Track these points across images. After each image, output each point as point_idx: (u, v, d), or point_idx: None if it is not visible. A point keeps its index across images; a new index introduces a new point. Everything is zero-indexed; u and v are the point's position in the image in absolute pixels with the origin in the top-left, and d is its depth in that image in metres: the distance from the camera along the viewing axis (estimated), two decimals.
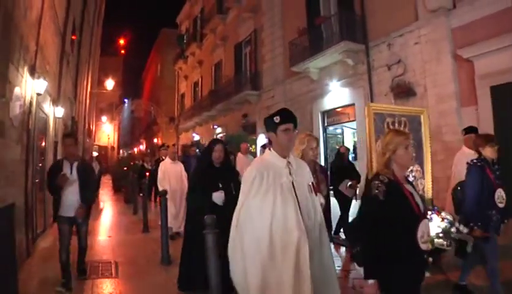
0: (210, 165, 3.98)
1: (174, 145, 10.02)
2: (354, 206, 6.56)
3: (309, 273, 2.28)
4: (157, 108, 32.02)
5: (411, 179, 4.14)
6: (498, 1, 7.30)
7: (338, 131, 14.76)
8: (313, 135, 4.15)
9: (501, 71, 7.20)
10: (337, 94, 12.11)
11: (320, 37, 12.02)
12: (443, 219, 3.77)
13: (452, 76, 8.26)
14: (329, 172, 6.77)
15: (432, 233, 3.37)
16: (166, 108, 32.56)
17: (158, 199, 11.24)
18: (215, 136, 21.32)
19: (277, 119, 2.45)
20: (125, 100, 36.29)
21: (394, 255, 2.15)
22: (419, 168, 4.50)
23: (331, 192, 5.91)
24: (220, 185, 3.83)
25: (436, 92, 8.57)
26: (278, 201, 2.33)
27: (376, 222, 2.19)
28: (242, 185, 2.51)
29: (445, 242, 3.66)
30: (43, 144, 7.50)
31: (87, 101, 17.62)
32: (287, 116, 2.49)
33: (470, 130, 5.10)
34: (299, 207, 2.40)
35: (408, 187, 2.38)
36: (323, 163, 12.03)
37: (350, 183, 6.26)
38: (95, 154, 21.99)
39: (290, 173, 2.46)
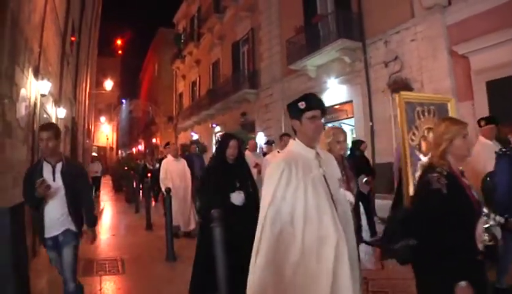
0: (224, 162, 3.69)
1: (173, 143, 9.84)
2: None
3: (350, 285, 1.96)
4: (155, 108, 32.09)
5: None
6: None
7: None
8: (339, 128, 3.99)
9: (496, 67, 7.34)
10: (334, 91, 12.23)
11: (317, 35, 12.14)
12: None
13: (448, 72, 8.40)
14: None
15: None
16: (164, 107, 32.64)
17: (160, 198, 11.40)
18: (213, 136, 21.47)
19: (302, 104, 2.14)
20: (123, 101, 36.30)
21: (450, 253, 1.99)
22: None
23: None
24: (238, 185, 3.57)
25: (433, 88, 8.70)
26: (310, 198, 2.00)
27: (435, 218, 2.03)
28: (267, 182, 2.13)
29: (487, 237, 3.44)
30: None
31: (87, 102, 17.70)
32: (314, 101, 2.18)
33: (490, 120, 4.89)
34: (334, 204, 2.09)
35: (465, 180, 2.20)
36: None
37: (365, 179, 5.96)
38: (94, 154, 22.06)
39: (320, 165, 2.15)
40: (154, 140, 35.62)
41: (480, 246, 2.05)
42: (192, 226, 7.12)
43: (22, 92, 4.99)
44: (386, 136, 9.95)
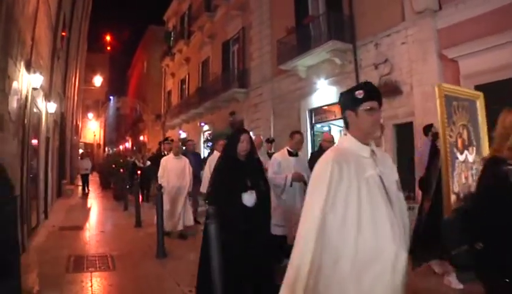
0: (234, 159, 3.40)
1: (172, 140, 9.40)
2: None
3: None
4: (143, 106, 31.82)
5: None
6: (481, 4, 7.59)
7: (326, 129, 14.97)
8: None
9: (485, 71, 7.49)
10: (324, 92, 12.31)
11: (308, 36, 12.20)
12: None
13: (437, 76, 8.53)
14: None
15: None
16: (152, 105, 32.38)
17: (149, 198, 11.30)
18: (202, 134, 21.37)
19: (359, 94, 1.86)
20: (111, 97, 35.91)
21: None
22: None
23: None
24: (249, 184, 3.28)
25: (422, 91, 8.83)
26: (365, 203, 1.72)
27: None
28: (314, 185, 1.84)
29: None
30: (36, 139, 7.48)
31: (75, 97, 17.47)
32: (373, 90, 1.91)
33: None
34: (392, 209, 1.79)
35: None
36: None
37: None
38: (80, 151, 21.79)
39: (376, 164, 1.86)
40: (141, 138, 35.32)
41: None
42: (180, 226, 6.89)
43: (14, 85, 4.93)
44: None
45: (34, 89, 5.94)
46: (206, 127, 21.08)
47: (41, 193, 7.81)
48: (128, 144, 41.60)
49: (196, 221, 7.66)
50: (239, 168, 3.35)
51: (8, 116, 4.73)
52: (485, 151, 4.04)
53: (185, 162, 7.18)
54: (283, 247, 4.60)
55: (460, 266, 2.16)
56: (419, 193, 6.17)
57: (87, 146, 32.21)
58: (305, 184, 4.74)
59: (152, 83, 34.29)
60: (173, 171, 6.91)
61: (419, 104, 8.88)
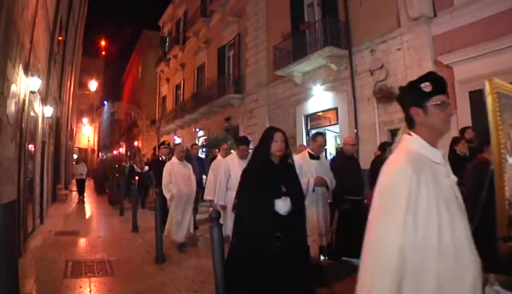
0: (267, 161, 3.01)
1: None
2: None
3: None
4: (138, 111, 31.71)
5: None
6: (475, 12, 7.73)
7: None
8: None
9: (479, 77, 7.57)
10: (320, 98, 12.39)
11: (304, 42, 12.28)
12: None
13: None
14: None
15: None
16: (147, 110, 32.30)
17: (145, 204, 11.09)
18: (196, 140, 21.33)
19: (426, 86, 1.58)
20: (105, 102, 35.75)
21: None
22: None
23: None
24: (284, 189, 2.89)
25: None
26: (445, 221, 1.40)
27: None
28: (387, 198, 1.45)
29: None
30: (33, 143, 7.43)
31: (70, 102, 17.38)
32: (440, 82, 1.62)
33: None
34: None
35: None
36: None
37: None
38: (75, 156, 21.62)
39: (449, 172, 1.57)
40: (135, 143, 35.16)
41: None
42: (188, 236, 6.55)
43: (13, 88, 4.90)
44: (370, 143, 10.12)
45: (32, 92, 5.91)
46: (200, 133, 21.06)
47: (37, 197, 7.74)
48: (122, 150, 41.38)
49: (195, 227, 7.51)
50: (271, 172, 2.97)
51: (6, 119, 4.69)
52: None
53: (190, 168, 6.76)
54: None
55: None
56: None
57: (81, 151, 31.93)
58: (328, 188, 4.62)
59: (146, 88, 34.23)
60: (179, 176, 6.45)
61: None
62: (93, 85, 22.20)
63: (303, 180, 4.28)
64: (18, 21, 4.85)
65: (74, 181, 16.06)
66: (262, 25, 15.55)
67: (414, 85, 1.64)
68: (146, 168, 11.56)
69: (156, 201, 5.95)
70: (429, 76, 1.63)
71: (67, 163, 17.21)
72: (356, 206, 4.99)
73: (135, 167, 11.47)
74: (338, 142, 11.86)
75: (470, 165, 4.05)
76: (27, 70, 5.63)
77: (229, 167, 5.63)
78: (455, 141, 5.60)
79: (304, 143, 12.89)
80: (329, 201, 4.83)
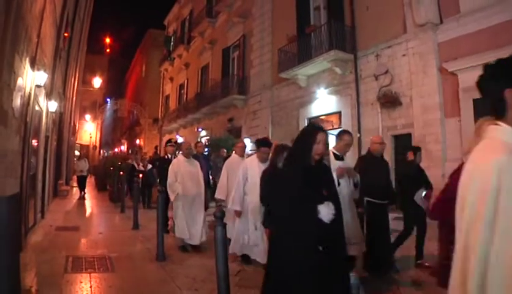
0: (307, 163, 2.70)
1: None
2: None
3: None
4: (141, 109, 31.76)
5: None
6: (482, 20, 7.74)
7: None
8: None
9: None
10: (324, 102, 12.40)
11: (309, 45, 12.31)
12: None
13: (437, 88, 8.65)
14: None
15: None
16: (149, 109, 32.34)
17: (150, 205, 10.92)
18: (199, 139, 21.35)
19: None
20: (108, 100, 35.81)
21: None
22: None
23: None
24: (325, 194, 2.61)
25: (422, 103, 8.93)
26: None
27: None
28: (479, 195, 1.18)
29: None
30: (36, 137, 7.44)
31: (74, 98, 17.42)
32: None
33: None
34: None
35: None
36: None
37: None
38: (77, 153, 21.64)
39: None
40: (137, 141, 35.19)
41: None
42: (203, 238, 6.01)
43: (19, 81, 4.91)
44: None
45: (38, 86, 5.92)
46: (203, 133, 21.08)
47: (38, 192, 7.75)
48: (123, 147, 41.41)
49: None
50: (313, 174, 2.66)
51: (12, 112, 4.70)
52: None
53: (197, 166, 6.36)
54: None
55: None
56: None
57: (82, 147, 32.03)
58: (356, 186, 4.27)
59: (150, 87, 34.28)
60: (187, 175, 6.06)
61: (419, 116, 8.98)
62: (97, 82, 22.25)
63: None
64: (26, 15, 4.87)
65: (75, 177, 16.04)
66: (267, 27, 15.58)
67: (507, 63, 1.32)
68: (149, 166, 11.51)
69: (158, 198, 5.94)
70: None
71: (68, 159, 17.24)
72: (382, 210, 4.63)
73: (136, 165, 11.39)
74: None
75: None
76: (33, 64, 5.65)
77: (248, 170, 5.22)
78: None
79: None
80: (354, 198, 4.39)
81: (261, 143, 5.31)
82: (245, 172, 5.23)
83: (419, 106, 9.02)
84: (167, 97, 30.11)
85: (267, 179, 4.14)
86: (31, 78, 5.66)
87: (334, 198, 2.63)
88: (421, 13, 8.86)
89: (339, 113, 11.95)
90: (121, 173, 11.41)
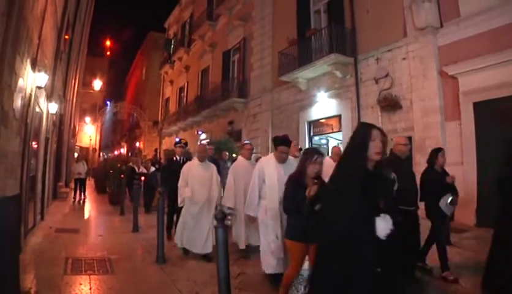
0: (363, 167, 2.30)
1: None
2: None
3: None
4: (141, 112, 31.77)
5: None
6: (482, 23, 7.74)
7: (323, 141, 15.01)
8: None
9: (483, 89, 7.61)
10: (324, 105, 12.40)
11: (309, 48, 12.32)
12: None
13: (437, 92, 8.65)
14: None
15: None
16: (149, 111, 32.35)
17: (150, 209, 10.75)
18: (199, 142, 21.34)
19: None
20: (108, 102, 35.82)
21: None
22: None
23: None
24: (382, 206, 2.25)
25: (422, 106, 8.93)
26: None
27: None
28: None
29: None
30: (37, 139, 7.43)
31: (74, 100, 17.42)
32: None
33: None
34: None
35: None
36: None
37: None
38: (76, 155, 21.60)
39: None
40: (137, 144, 35.17)
41: None
42: (209, 249, 5.57)
43: (20, 82, 4.91)
44: None
45: (38, 87, 5.92)
46: (203, 136, 21.05)
47: (38, 194, 7.73)
48: (123, 150, 41.38)
49: None
50: (370, 181, 2.22)
51: (12, 113, 4.70)
52: None
53: (212, 169, 5.95)
54: None
55: None
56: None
57: (82, 149, 31.95)
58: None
59: (150, 90, 34.31)
60: (197, 179, 5.73)
61: (419, 119, 8.98)
62: (97, 84, 22.23)
63: None
64: (28, 15, 4.87)
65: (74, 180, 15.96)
66: (268, 30, 15.61)
67: None
68: (152, 168, 11.45)
69: (159, 201, 5.92)
70: None
71: (68, 161, 17.22)
72: (410, 218, 4.27)
73: (136, 168, 11.29)
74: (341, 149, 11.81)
75: None
76: (34, 65, 5.64)
77: (264, 171, 4.72)
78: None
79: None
80: None
81: (280, 142, 4.69)
82: (261, 173, 4.75)
83: (420, 110, 9.02)
84: (167, 100, 30.12)
85: (294, 187, 3.50)
86: (32, 79, 5.65)
87: (391, 210, 2.26)
88: (421, 17, 8.86)
89: (339, 116, 11.94)
90: (122, 175, 11.34)
